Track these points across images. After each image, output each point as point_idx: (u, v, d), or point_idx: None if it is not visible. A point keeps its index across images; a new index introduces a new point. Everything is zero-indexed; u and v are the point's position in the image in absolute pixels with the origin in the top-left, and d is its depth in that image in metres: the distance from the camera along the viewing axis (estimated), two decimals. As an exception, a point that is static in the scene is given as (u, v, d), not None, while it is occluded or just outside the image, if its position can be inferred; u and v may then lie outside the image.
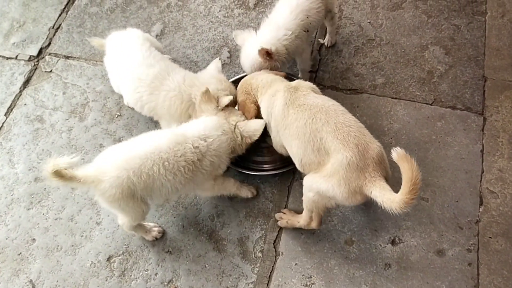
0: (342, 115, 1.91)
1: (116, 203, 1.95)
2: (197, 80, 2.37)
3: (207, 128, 2.10)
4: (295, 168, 2.15)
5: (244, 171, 2.46)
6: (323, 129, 1.87)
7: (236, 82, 2.48)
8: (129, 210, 2.02)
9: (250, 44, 2.43)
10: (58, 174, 1.78)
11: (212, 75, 2.41)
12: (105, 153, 2.00)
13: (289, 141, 2.03)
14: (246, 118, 2.23)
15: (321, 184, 1.86)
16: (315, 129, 1.89)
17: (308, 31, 2.48)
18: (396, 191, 1.74)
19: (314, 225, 2.18)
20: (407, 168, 1.66)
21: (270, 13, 2.52)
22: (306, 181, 1.98)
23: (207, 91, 2.18)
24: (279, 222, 2.34)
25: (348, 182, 1.79)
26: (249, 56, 2.43)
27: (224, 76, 2.44)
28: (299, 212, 2.26)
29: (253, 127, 2.16)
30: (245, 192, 2.38)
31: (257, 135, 2.16)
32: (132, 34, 2.49)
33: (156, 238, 2.36)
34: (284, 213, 2.35)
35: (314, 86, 2.14)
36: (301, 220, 2.21)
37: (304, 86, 2.08)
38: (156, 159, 1.92)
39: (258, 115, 2.22)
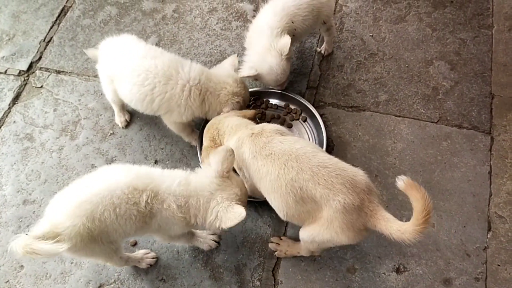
0: (314, 156, 1.72)
1: (81, 252, 1.79)
2: (213, 76, 2.27)
3: (172, 186, 1.77)
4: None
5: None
6: (299, 177, 1.69)
7: None
8: (98, 254, 1.87)
9: (265, 52, 2.32)
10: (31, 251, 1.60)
11: (229, 73, 2.31)
12: (55, 201, 1.79)
13: (266, 194, 1.86)
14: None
15: (323, 235, 1.73)
16: (290, 179, 1.71)
17: (294, 36, 2.41)
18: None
19: (316, 254, 2.09)
20: (419, 198, 1.54)
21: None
22: (305, 235, 1.84)
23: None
24: (276, 253, 2.23)
25: (351, 225, 1.67)
26: (273, 64, 2.32)
27: (240, 77, 2.34)
28: (297, 238, 2.13)
29: (232, 216, 1.73)
30: (201, 245, 2.25)
31: (229, 225, 1.73)
32: (126, 36, 2.38)
33: (150, 265, 2.25)
34: (278, 243, 2.24)
35: (279, 127, 1.93)
36: (301, 252, 2.12)
37: (268, 130, 1.87)
38: (107, 204, 1.71)
39: None
